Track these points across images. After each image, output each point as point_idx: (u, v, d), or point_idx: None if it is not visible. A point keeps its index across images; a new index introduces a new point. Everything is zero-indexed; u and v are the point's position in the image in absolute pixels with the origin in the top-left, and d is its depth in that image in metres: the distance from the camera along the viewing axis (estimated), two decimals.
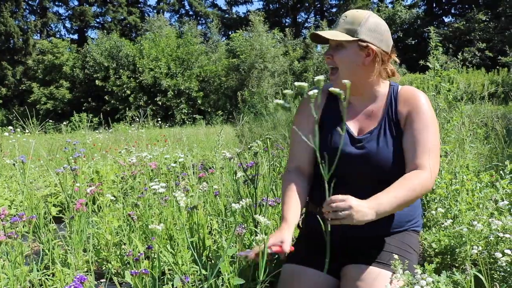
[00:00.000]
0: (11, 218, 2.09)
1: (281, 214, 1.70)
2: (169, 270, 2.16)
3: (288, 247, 1.46)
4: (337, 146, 1.73)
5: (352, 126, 1.80)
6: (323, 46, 14.98)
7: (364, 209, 1.45)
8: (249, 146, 2.13)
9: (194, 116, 20.15)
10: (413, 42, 31.53)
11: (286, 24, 36.07)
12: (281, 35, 23.17)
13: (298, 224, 1.96)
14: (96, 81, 23.79)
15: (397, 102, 1.76)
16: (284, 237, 1.48)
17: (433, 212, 2.65)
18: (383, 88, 1.80)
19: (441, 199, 2.83)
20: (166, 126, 12.35)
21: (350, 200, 1.43)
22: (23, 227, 2.00)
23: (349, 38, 1.70)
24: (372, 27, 1.73)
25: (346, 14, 1.77)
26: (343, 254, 1.73)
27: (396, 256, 1.65)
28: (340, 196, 1.44)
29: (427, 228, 2.74)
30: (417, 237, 1.87)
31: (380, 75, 1.78)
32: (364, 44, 1.71)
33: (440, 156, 3.02)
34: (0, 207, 3.04)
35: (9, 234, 1.78)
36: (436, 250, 2.39)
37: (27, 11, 34.80)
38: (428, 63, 3.59)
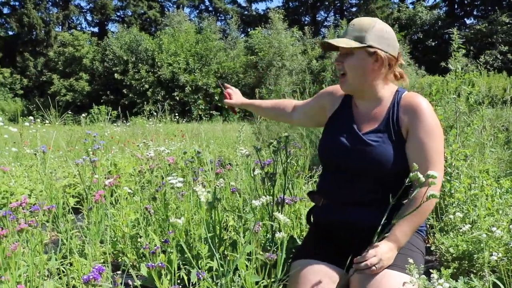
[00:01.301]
0: (31, 207, 2.13)
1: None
2: (184, 264, 2.17)
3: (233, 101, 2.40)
4: (340, 140, 1.85)
5: (358, 124, 1.87)
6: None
7: (389, 253, 1.63)
8: (268, 144, 2.14)
9: (211, 112, 20.22)
10: (433, 43, 31.16)
11: (305, 23, 35.93)
12: (300, 33, 23.08)
13: (308, 220, 2.01)
14: (115, 74, 24.00)
15: (399, 107, 1.79)
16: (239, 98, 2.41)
17: (451, 216, 2.61)
18: (388, 92, 1.85)
19: (459, 203, 2.80)
20: (183, 122, 12.40)
21: (379, 253, 1.59)
22: (43, 215, 2.03)
23: (358, 45, 1.75)
24: (379, 33, 1.79)
25: (353, 22, 1.84)
26: (351, 248, 1.75)
27: (401, 256, 1.68)
28: (371, 252, 1.59)
29: (444, 233, 2.71)
30: (421, 238, 1.90)
31: (386, 78, 1.84)
32: (372, 50, 1.77)
33: (459, 160, 2.99)
34: (21, 196, 3.09)
35: (29, 222, 1.81)
36: (454, 255, 2.37)
37: (50, 3, 35.26)
38: (449, 65, 3.55)
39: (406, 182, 1.47)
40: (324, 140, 1.96)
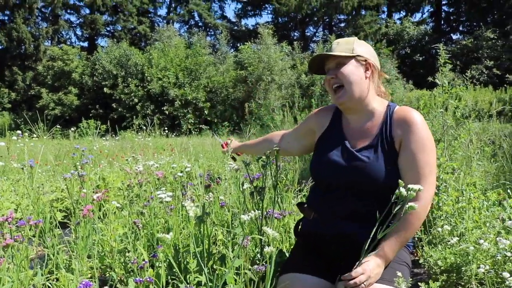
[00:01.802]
0: (17, 222, 2.10)
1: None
2: (172, 279, 2.15)
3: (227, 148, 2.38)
4: (332, 159, 1.85)
5: (350, 140, 1.88)
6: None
7: (377, 269, 1.64)
8: (256, 158, 2.14)
9: (201, 126, 20.20)
10: (420, 58, 31.56)
11: (295, 38, 36.21)
12: (289, 48, 23.25)
13: (295, 230, 2.01)
14: (105, 88, 23.91)
15: (392, 121, 1.80)
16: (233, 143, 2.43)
17: (439, 229, 2.63)
18: (380, 106, 1.87)
19: (447, 216, 2.82)
20: (173, 136, 12.38)
21: (367, 271, 1.60)
22: (29, 230, 2.01)
23: (350, 53, 1.82)
24: (364, 45, 1.89)
25: (337, 40, 1.90)
26: (341, 261, 1.77)
27: (387, 270, 1.69)
28: (359, 270, 1.59)
29: (432, 245, 2.72)
30: (407, 251, 1.92)
31: (376, 91, 1.89)
32: (362, 58, 1.83)
33: (447, 173, 3.02)
34: (7, 210, 3.05)
35: (15, 237, 1.79)
36: (442, 268, 2.38)
37: (40, 18, 35.17)
38: (436, 80, 3.60)
39: (393, 199, 1.46)
40: (317, 160, 1.96)
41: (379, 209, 1.65)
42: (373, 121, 1.85)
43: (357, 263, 1.61)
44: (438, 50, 3.63)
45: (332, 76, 1.84)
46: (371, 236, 1.53)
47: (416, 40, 31.66)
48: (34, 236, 2.08)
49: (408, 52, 31.78)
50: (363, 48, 1.87)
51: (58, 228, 2.62)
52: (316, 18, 37.08)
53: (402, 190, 1.37)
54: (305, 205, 1.97)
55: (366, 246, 1.53)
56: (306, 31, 38.68)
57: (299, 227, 2.02)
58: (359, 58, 1.83)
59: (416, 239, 2.85)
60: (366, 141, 1.82)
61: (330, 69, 1.86)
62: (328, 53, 1.84)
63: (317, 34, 39.29)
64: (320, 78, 22.48)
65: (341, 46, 1.85)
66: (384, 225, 1.50)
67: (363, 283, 1.59)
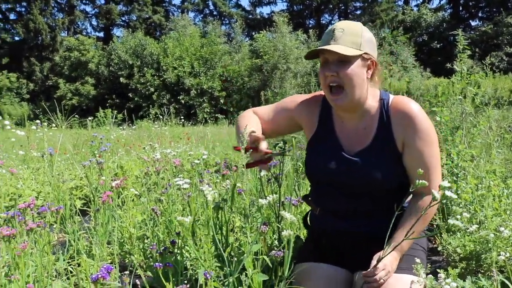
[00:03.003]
0: (38, 208, 2.14)
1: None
2: (191, 265, 2.17)
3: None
4: (328, 166, 1.74)
5: (344, 143, 1.76)
6: None
7: (395, 262, 1.62)
8: (273, 145, 2.13)
9: (216, 115, 20.26)
10: (438, 45, 31.13)
11: (310, 26, 35.92)
12: (304, 36, 23.12)
13: (305, 222, 2.00)
14: (121, 78, 24.10)
15: (390, 119, 1.69)
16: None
17: (458, 217, 2.61)
18: (373, 101, 1.73)
19: (466, 204, 2.79)
20: (189, 125, 12.45)
21: (387, 266, 1.58)
22: (51, 216, 2.04)
23: (359, 52, 1.61)
24: (369, 37, 1.67)
25: (341, 26, 1.65)
26: (354, 252, 1.76)
27: (404, 257, 1.68)
28: (379, 266, 1.56)
29: (451, 233, 2.70)
30: (423, 232, 1.87)
31: (370, 86, 1.71)
32: (367, 56, 1.65)
33: (466, 161, 2.98)
34: (29, 197, 3.11)
35: (37, 223, 1.82)
36: (461, 255, 2.36)
37: (56, 9, 35.52)
38: (455, 67, 3.55)
39: (411, 189, 1.43)
40: (312, 164, 1.85)
41: (379, 206, 1.67)
42: (368, 120, 1.72)
43: (376, 259, 1.60)
44: (456, 37, 3.57)
45: (333, 74, 1.62)
46: (388, 233, 1.50)
47: (434, 27, 31.20)
48: (55, 222, 2.12)
49: (426, 39, 31.37)
50: (370, 43, 1.67)
51: (78, 215, 2.66)
52: (331, 6, 36.77)
53: (435, 193, 1.34)
54: (310, 198, 1.93)
55: (386, 244, 1.52)
56: (321, 19, 38.37)
57: (308, 219, 2.00)
58: (365, 56, 1.64)
59: (435, 226, 2.83)
60: (363, 144, 1.72)
61: (330, 63, 1.64)
62: (333, 49, 1.59)
63: (332, 21, 38.93)
64: None
65: (347, 37, 1.62)
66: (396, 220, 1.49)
67: (383, 278, 1.60)
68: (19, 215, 1.92)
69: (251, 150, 1.62)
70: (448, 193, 1.36)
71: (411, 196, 1.74)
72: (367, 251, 1.67)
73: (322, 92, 1.85)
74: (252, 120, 1.88)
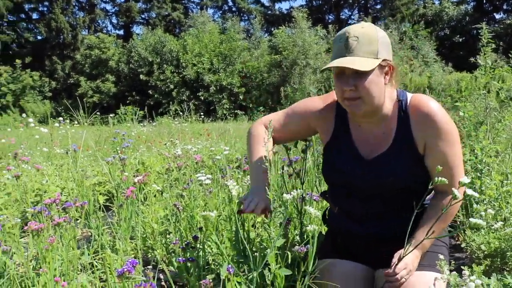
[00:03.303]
0: (63, 204, 2.18)
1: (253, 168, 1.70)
2: (213, 260, 2.19)
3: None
4: (348, 172, 1.71)
5: (362, 149, 1.72)
6: None
7: (416, 261, 1.60)
8: (294, 143, 2.12)
9: (236, 111, 20.27)
10: (460, 39, 30.61)
11: (329, 21, 35.72)
12: (324, 32, 22.95)
13: (324, 218, 1.98)
14: (141, 75, 24.30)
15: (409, 121, 1.64)
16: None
17: (482, 213, 2.56)
18: (390, 104, 1.66)
19: (490, 200, 2.74)
20: (209, 121, 12.50)
21: (408, 265, 1.56)
22: (76, 211, 2.08)
23: (377, 62, 1.52)
24: (384, 39, 1.58)
25: (354, 33, 1.54)
26: (369, 253, 1.75)
27: (426, 254, 1.66)
28: (400, 266, 1.54)
29: (475, 230, 2.66)
30: (445, 229, 1.83)
31: (387, 89, 1.63)
32: (385, 63, 1.57)
33: (490, 157, 2.93)
34: (54, 193, 3.17)
35: (63, 218, 1.85)
36: (485, 253, 2.33)
37: (76, 7, 35.95)
38: (478, 61, 3.49)
39: (430, 186, 1.42)
40: (327, 169, 1.81)
41: (398, 207, 1.65)
42: (386, 125, 1.67)
43: (397, 258, 1.59)
44: (480, 31, 3.51)
45: (351, 88, 1.54)
46: (407, 233, 1.49)
47: (456, 20, 30.67)
48: (80, 218, 2.16)
49: (447, 33, 30.87)
50: (385, 46, 1.58)
51: (102, 211, 2.71)
52: (351, 0, 36.46)
53: (456, 191, 1.32)
54: (327, 195, 1.91)
55: (406, 244, 1.51)
56: (341, 14, 38.07)
57: (327, 216, 1.97)
58: (383, 64, 1.56)
59: (458, 223, 2.80)
60: (381, 148, 1.68)
61: (346, 75, 1.56)
62: (350, 65, 1.49)
63: (352, 16, 38.61)
64: None
65: (363, 47, 1.53)
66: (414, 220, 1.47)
67: (404, 277, 1.59)
68: (45, 210, 1.96)
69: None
70: (469, 191, 1.34)
71: (432, 193, 1.72)
72: (383, 251, 1.65)
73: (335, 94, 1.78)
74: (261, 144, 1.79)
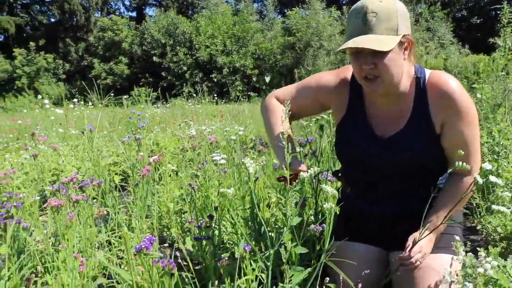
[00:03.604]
0: (80, 183, 2.21)
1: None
2: (228, 239, 2.21)
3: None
4: (358, 146, 1.68)
5: (378, 127, 1.68)
6: None
7: (430, 244, 1.58)
8: (316, 119, 2.11)
9: (249, 93, 20.24)
10: (478, 21, 30.00)
11: (344, 2, 35.16)
12: (338, 13, 22.67)
13: (338, 200, 1.96)
14: (154, 57, 24.31)
15: (427, 99, 1.59)
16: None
17: (506, 194, 2.54)
18: (407, 81, 1.60)
19: (507, 183, 2.71)
20: (222, 103, 12.49)
21: (423, 248, 1.54)
22: (93, 190, 2.10)
23: (397, 39, 1.46)
24: (402, 12, 1.49)
25: (372, 9, 1.45)
26: (383, 233, 1.74)
27: (444, 236, 1.64)
28: (415, 249, 1.52)
29: (491, 212, 2.64)
30: (460, 211, 1.83)
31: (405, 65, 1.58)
32: (404, 39, 1.51)
33: (508, 139, 2.89)
34: (70, 172, 3.21)
35: (81, 196, 1.88)
36: (501, 235, 2.31)
37: None
38: (498, 42, 3.43)
39: (449, 171, 1.40)
40: (341, 147, 1.77)
41: (411, 186, 1.62)
42: (403, 102, 1.62)
43: (411, 241, 1.57)
44: (499, 12, 3.44)
45: (371, 67, 1.48)
46: (423, 215, 1.47)
47: (474, 1, 30.05)
48: (97, 196, 2.18)
49: (465, 14, 30.28)
50: (404, 19, 1.50)
51: (119, 190, 2.73)
52: None
53: (478, 177, 1.30)
54: (340, 174, 1.87)
55: (421, 226, 1.49)
56: None
57: (339, 197, 1.95)
58: (403, 40, 1.50)
59: (474, 205, 2.77)
60: (397, 127, 1.63)
61: (366, 53, 1.48)
62: (371, 45, 1.43)
63: None
64: None
65: (382, 24, 1.45)
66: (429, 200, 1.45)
67: (419, 260, 1.58)
68: (63, 189, 1.99)
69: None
70: (492, 178, 1.32)
71: (446, 174, 1.70)
72: (398, 231, 1.65)
73: (349, 69, 1.74)
74: (279, 117, 1.72)
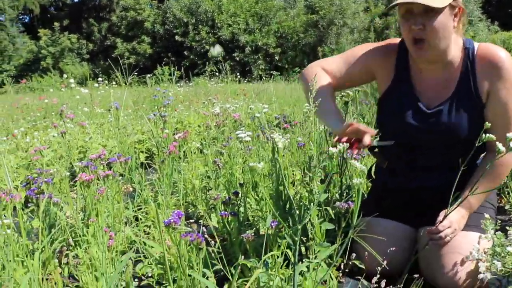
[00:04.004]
0: (107, 159, 2.24)
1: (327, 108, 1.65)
2: (252, 216, 2.22)
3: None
4: (404, 121, 1.65)
5: (423, 95, 1.66)
6: None
7: (462, 221, 1.58)
8: (340, 96, 2.08)
9: (271, 72, 20.13)
10: None
11: None
12: None
13: (369, 175, 1.94)
14: (176, 36, 24.32)
15: (475, 70, 1.57)
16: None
17: None
18: (456, 51, 1.59)
19: None
20: (244, 82, 12.47)
21: (453, 223, 1.54)
22: (120, 166, 2.13)
23: (448, 0, 1.45)
24: None
25: None
26: (417, 208, 1.73)
27: (473, 214, 1.62)
28: (445, 224, 1.52)
29: None
30: (495, 193, 1.82)
31: (455, 34, 1.57)
32: (455, 4, 1.50)
33: None
34: (97, 150, 3.26)
35: (110, 171, 1.91)
36: None
37: None
38: None
39: (477, 143, 1.36)
40: (386, 120, 1.76)
41: (452, 160, 1.55)
42: (451, 72, 1.61)
43: (442, 216, 1.55)
44: None
45: (420, 27, 1.48)
46: (453, 188, 1.44)
47: None
48: (124, 172, 2.22)
49: None
50: None
51: (145, 168, 2.77)
52: None
53: (500, 146, 1.27)
54: (376, 150, 1.82)
55: (451, 200, 1.46)
56: None
57: (372, 173, 1.93)
58: (453, 4, 1.49)
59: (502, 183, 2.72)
60: (443, 96, 1.62)
61: (416, 14, 1.48)
62: (424, 2, 1.43)
63: None
64: (395, 21, 21.43)
65: None
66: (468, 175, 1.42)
67: (449, 236, 1.56)
68: (91, 165, 2.02)
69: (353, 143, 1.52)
70: (500, 146, 1.28)
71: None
72: (431, 207, 1.63)
73: (396, 40, 1.75)
74: (325, 85, 1.73)
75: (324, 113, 1.66)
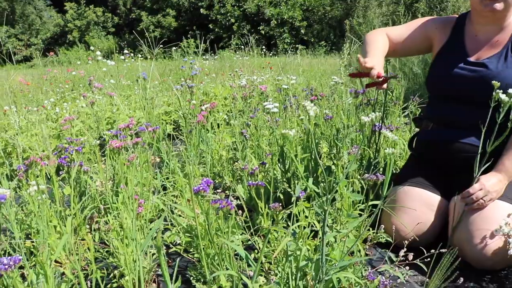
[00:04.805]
0: (136, 129, 2.26)
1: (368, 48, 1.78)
2: (278, 188, 2.22)
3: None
4: (452, 72, 1.73)
5: (472, 52, 1.75)
6: None
7: (499, 185, 1.56)
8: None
9: (297, 46, 19.90)
10: None
11: None
12: None
13: (410, 144, 1.97)
14: (201, 9, 24.17)
15: None
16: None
17: None
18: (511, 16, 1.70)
19: None
20: (270, 55, 12.38)
21: (485, 186, 1.53)
22: (149, 135, 2.15)
23: None
24: None
25: None
26: (454, 172, 1.74)
27: (510, 186, 1.59)
28: (476, 186, 1.53)
29: None
30: None
31: None
32: None
33: None
34: (124, 121, 3.29)
35: (139, 139, 1.92)
36: None
37: None
38: None
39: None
40: (435, 74, 1.86)
41: (495, 125, 1.54)
42: (503, 33, 1.70)
43: (475, 179, 1.53)
44: None
45: None
46: (486, 149, 1.42)
47: None
48: (152, 141, 2.24)
49: None
50: None
51: (173, 139, 2.78)
52: None
53: None
54: (421, 118, 1.92)
55: (478, 159, 1.43)
56: None
57: (414, 141, 1.99)
58: None
59: None
60: (492, 52, 1.69)
61: None
62: None
63: None
64: None
65: None
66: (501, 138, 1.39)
67: (481, 198, 1.54)
68: (120, 134, 2.04)
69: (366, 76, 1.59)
70: None
71: None
72: (468, 172, 1.60)
73: (455, 16, 1.89)
74: (379, 40, 1.87)
75: (366, 43, 1.83)
